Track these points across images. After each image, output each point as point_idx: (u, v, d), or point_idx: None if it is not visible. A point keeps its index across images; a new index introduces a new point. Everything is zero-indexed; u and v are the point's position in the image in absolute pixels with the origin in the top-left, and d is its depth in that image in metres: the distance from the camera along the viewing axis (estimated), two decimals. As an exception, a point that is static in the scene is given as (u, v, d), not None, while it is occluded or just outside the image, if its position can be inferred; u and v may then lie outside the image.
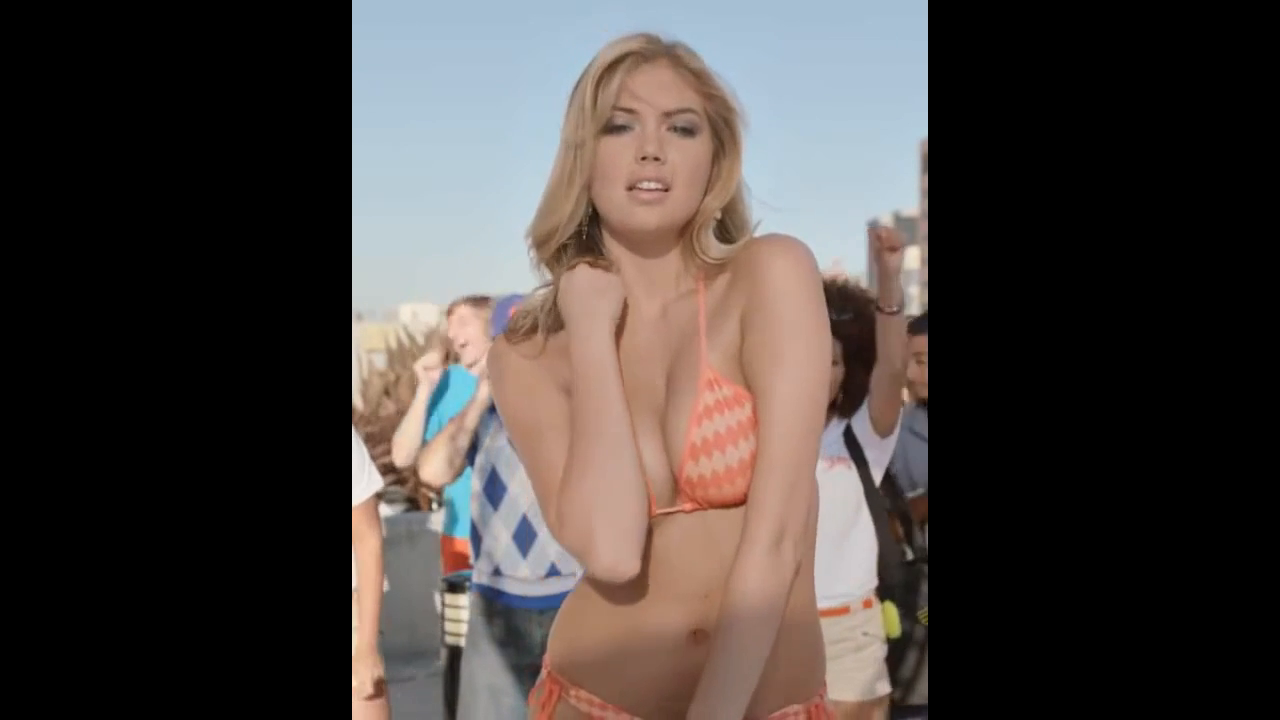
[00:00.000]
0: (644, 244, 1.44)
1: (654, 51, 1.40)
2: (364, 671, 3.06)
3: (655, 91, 1.38)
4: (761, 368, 1.37)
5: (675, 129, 1.38)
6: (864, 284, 3.40)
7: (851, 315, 2.96)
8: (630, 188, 1.38)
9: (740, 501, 1.38)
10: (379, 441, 6.46)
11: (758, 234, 1.46)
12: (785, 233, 1.43)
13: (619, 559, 1.34)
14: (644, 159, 1.36)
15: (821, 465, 2.93)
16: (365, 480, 3.13)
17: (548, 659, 1.52)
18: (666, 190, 1.38)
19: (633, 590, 1.41)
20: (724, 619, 1.35)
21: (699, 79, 1.40)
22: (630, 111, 1.38)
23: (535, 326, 1.48)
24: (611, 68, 1.38)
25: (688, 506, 1.40)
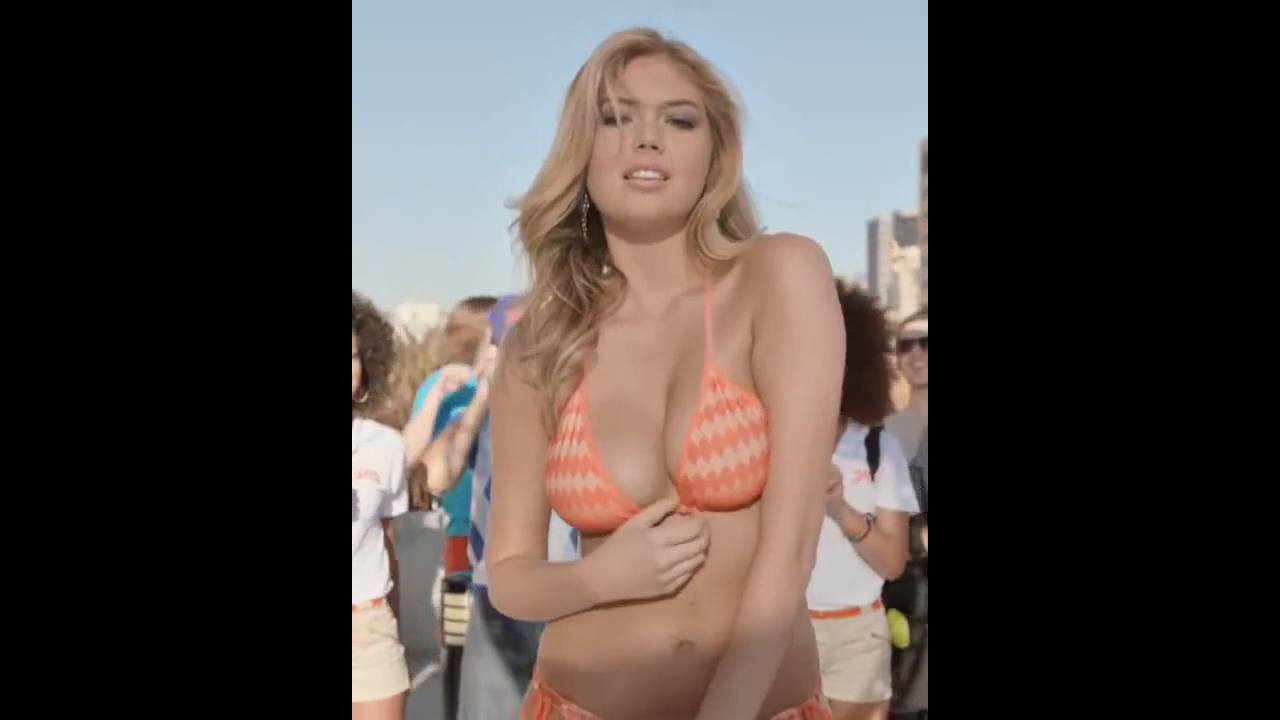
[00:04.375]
0: (645, 236, 1.43)
1: (653, 44, 1.41)
2: None
3: (654, 83, 1.39)
4: (774, 373, 1.36)
5: (673, 121, 1.39)
6: (863, 285, 3.41)
7: (854, 320, 2.95)
8: (627, 175, 1.38)
9: (739, 504, 1.37)
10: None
11: (767, 232, 1.45)
12: (796, 232, 1.42)
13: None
14: (642, 147, 1.37)
15: (849, 477, 2.95)
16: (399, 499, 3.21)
17: (538, 670, 1.51)
18: (665, 179, 1.38)
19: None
20: (739, 629, 1.34)
21: (698, 72, 1.41)
22: (629, 103, 1.38)
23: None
24: (611, 59, 1.39)
25: (681, 509, 1.39)
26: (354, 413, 3.13)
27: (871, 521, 2.93)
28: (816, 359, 1.35)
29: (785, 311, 1.35)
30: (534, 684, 1.50)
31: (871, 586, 2.99)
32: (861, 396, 2.95)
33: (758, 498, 1.37)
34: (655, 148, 1.37)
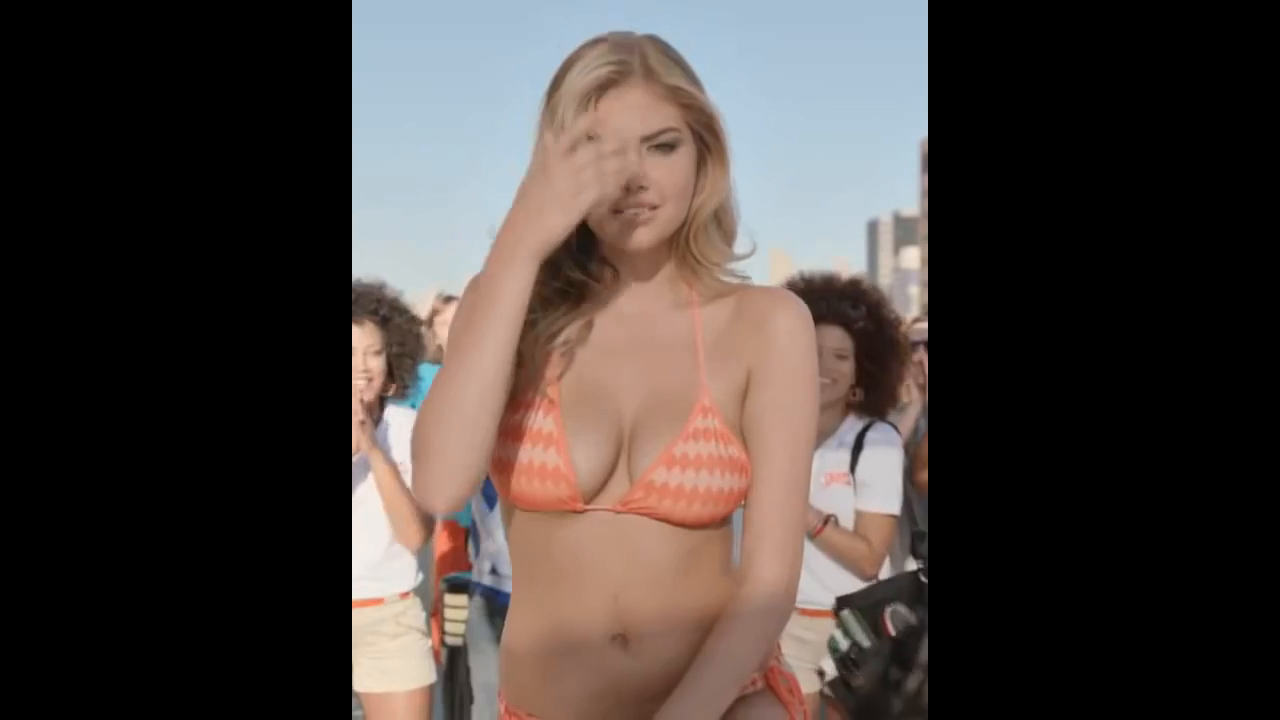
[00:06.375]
0: (635, 255, 1.44)
1: (625, 71, 1.36)
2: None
3: (631, 117, 1.36)
4: (769, 422, 1.43)
5: (656, 148, 1.37)
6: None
7: (864, 312, 3.09)
8: (616, 210, 1.37)
9: (681, 524, 1.40)
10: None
11: (755, 283, 1.50)
12: (783, 289, 1.51)
13: (432, 490, 1.36)
14: (628, 190, 1.36)
15: (819, 481, 3.02)
16: None
17: (501, 693, 1.52)
18: (655, 208, 1.38)
19: (547, 587, 1.42)
20: (709, 655, 1.37)
21: (674, 93, 1.37)
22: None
23: None
24: (583, 100, 1.35)
25: (616, 507, 1.40)
26: (385, 404, 3.19)
27: (829, 520, 2.96)
28: (805, 411, 1.46)
29: (781, 368, 1.45)
30: (500, 707, 1.52)
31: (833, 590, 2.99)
32: (868, 385, 3.05)
33: (697, 525, 1.41)
34: (642, 188, 1.36)
